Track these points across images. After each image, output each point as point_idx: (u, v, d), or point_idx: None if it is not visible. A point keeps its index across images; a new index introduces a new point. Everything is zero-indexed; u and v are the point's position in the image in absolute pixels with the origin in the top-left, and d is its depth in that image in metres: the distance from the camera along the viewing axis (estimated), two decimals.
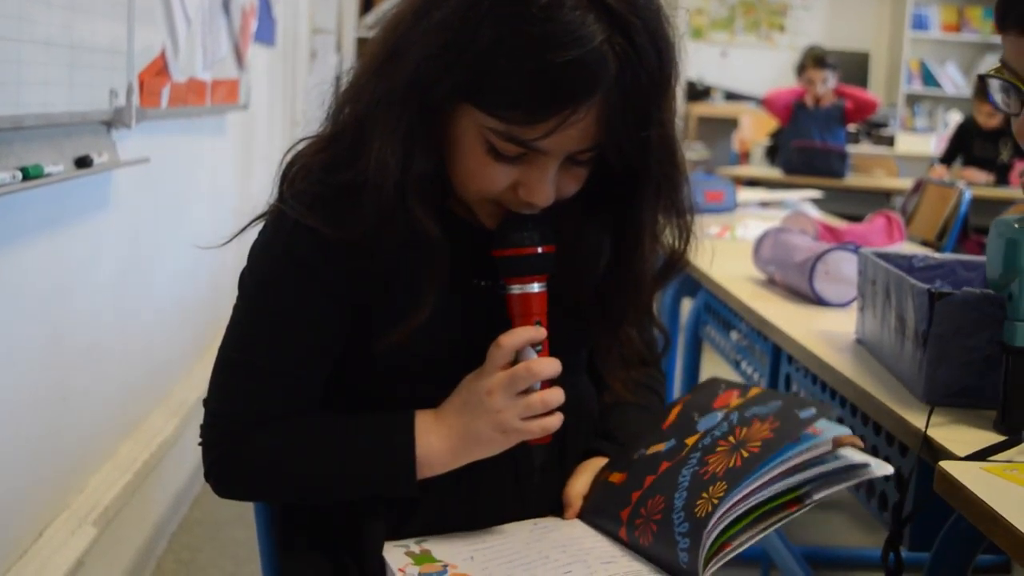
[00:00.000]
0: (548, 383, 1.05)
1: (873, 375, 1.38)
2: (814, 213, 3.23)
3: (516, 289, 1.06)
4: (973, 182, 5.22)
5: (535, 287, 1.06)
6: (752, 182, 5.11)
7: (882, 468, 0.99)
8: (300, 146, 1.11)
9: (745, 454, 0.98)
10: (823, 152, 5.52)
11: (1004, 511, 0.89)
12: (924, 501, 1.15)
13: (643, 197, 1.07)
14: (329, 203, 1.03)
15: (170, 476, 2.65)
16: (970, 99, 6.65)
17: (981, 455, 1.05)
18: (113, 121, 1.99)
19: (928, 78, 8.13)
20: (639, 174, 1.04)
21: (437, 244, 1.02)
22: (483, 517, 1.09)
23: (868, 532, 2.90)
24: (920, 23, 8.05)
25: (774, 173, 5.65)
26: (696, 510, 0.96)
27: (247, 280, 1.08)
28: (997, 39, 1.15)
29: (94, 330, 2.13)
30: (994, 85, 1.13)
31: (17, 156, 1.58)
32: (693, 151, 7.25)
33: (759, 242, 2.13)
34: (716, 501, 0.95)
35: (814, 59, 5.67)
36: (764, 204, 3.58)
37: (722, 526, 0.94)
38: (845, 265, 1.83)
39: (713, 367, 2.67)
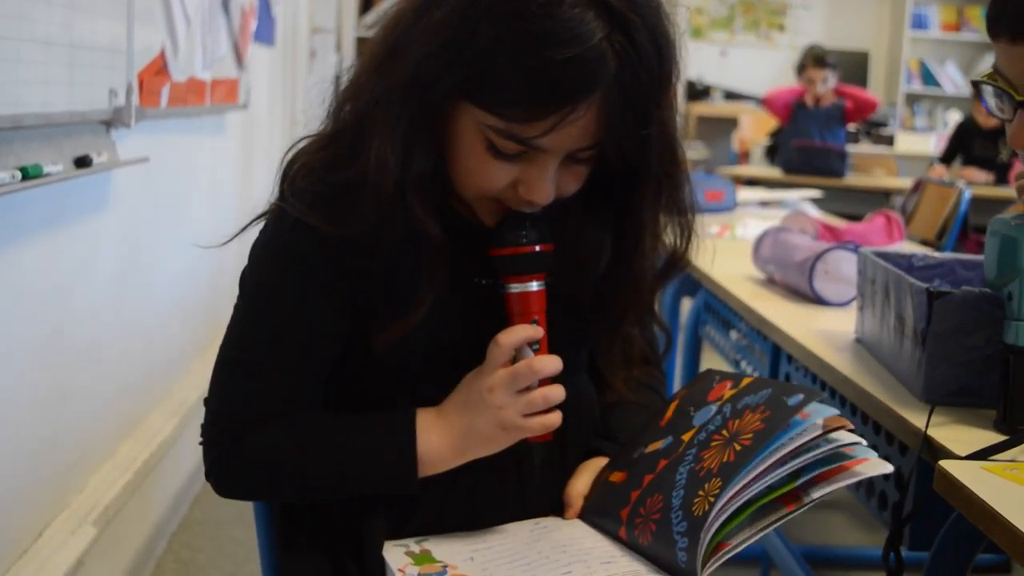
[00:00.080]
0: (549, 381, 1.05)
1: (872, 374, 1.38)
2: (814, 212, 3.24)
3: (515, 288, 1.06)
4: (973, 181, 5.23)
5: (533, 286, 1.06)
6: (752, 181, 5.11)
7: (881, 467, 0.99)
8: (301, 144, 1.11)
9: (738, 447, 0.98)
10: (823, 151, 5.52)
11: (1004, 510, 0.89)
12: (924, 500, 1.15)
13: (644, 195, 1.07)
14: (329, 201, 1.03)
15: (170, 476, 2.65)
16: (970, 99, 6.66)
17: (981, 455, 1.05)
18: (113, 121, 1.99)
19: (928, 78, 8.13)
20: (640, 172, 1.04)
21: (437, 242, 1.02)
22: (484, 516, 1.09)
23: (868, 532, 2.90)
24: (920, 22, 8.05)
25: (774, 172, 5.65)
26: (693, 508, 0.96)
27: (248, 279, 1.08)
28: None
29: (94, 330, 2.12)
30: (987, 91, 1.13)
31: (16, 156, 1.58)
32: (693, 151, 7.24)
33: (759, 241, 2.13)
34: (712, 499, 0.95)
35: (814, 58, 5.67)
36: (764, 203, 3.58)
37: (719, 522, 0.94)
38: (845, 264, 1.83)
39: (713, 366, 2.66)
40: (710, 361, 2.70)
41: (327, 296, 1.05)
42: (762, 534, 0.96)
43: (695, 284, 2.44)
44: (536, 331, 1.05)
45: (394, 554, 1.04)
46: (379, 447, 1.05)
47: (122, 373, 2.33)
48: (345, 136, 1.05)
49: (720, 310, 2.26)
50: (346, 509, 1.10)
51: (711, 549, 0.94)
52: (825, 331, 1.64)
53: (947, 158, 5.92)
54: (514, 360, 1.04)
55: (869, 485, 1.32)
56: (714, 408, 1.08)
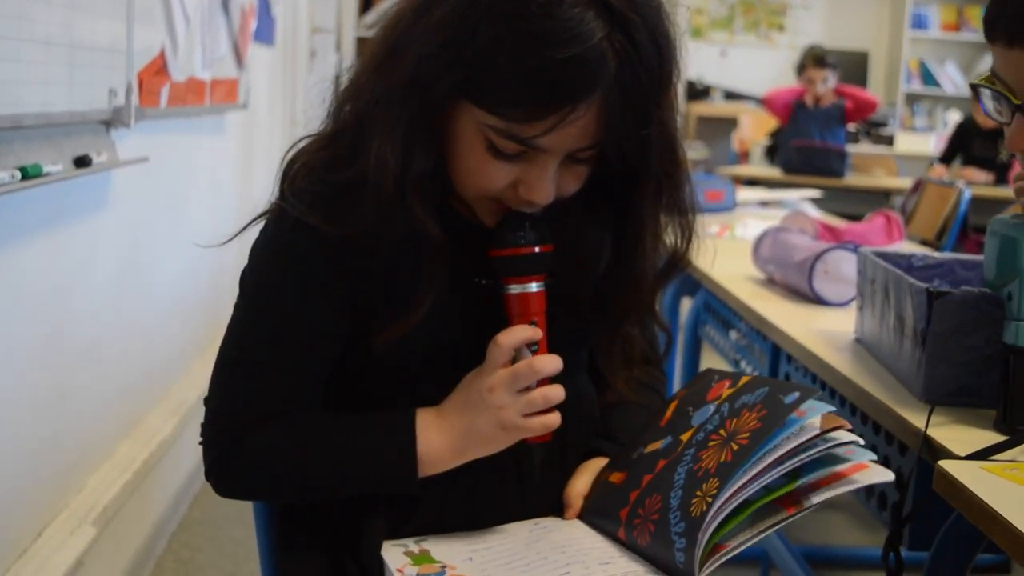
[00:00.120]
0: (549, 381, 1.05)
1: (872, 374, 1.38)
2: (813, 212, 3.24)
3: (514, 289, 1.06)
4: (972, 181, 5.23)
5: (533, 287, 1.06)
6: (751, 181, 5.11)
7: (882, 475, 0.99)
8: (301, 144, 1.11)
9: (735, 447, 0.98)
10: (823, 151, 5.53)
11: (1004, 510, 0.89)
12: (924, 500, 1.15)
13: (644, 195, 1.07)
14: (330, 201, 1.03)
15: (169, 476, 2.65)
16: (969, 99, 6.65)
17: (981, 455, 1.05)
18: (112, 120, 1.99)
19: (927, 77, 8.13)
20: (640, 172, 1.04)
21: (437, 242, 1.02)
22: (483, 517, 1.09)
23: (867, 531, 2.90)
24: (919, 22, 8.05)
25: (774, 172, 5.65)
26: (691, 509, 0.96)
27: (248, 279, 1.08)
28: None
29: (93, 329, 2.12)
30: (985, 94, 1.14)
31: (16, 155, 1.58)
32: (693, 150, 7.24)
33: (758, 241, 2.13)
34: (710, 499, 0.94)
35: (814, 58, 5.67)
36: (764, 203, 3.58)
37: (717, 522, 0.94)
38: (844, 264, 1.83)
39: (712, 366, 2.66)
40: (710, 361, 2.70)
41: (327, 296, 1.05)
42: (761, 537, 0.96)
43: (695, 284, 2.44)
44: (535, 332, 1.05)
45: (393, 554, 1.04)
46: (379, 447, 1.05)
47: (122, 373, 2.33)
48: (345, 136, 1.05)
49: (720, 310, 2.26)
50: (346, 509, 1.10)
51: (709, 550, 0.94)
52: (825, 331, 1.64)
53: (947, 158, 5.92)
54: (513, 361, 1.04)
55: (869, 485, 1.31)
56: (712, 407, 1.08)
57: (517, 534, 1.07)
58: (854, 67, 7.86)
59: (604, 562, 1.00)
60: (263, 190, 1.10)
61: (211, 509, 2.81)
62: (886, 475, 0.99)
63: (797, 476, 0.97)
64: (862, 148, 6.97)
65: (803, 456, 0.96)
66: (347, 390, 1.11)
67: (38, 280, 1.84)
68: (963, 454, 1.05)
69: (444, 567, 1.01)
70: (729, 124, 7.33)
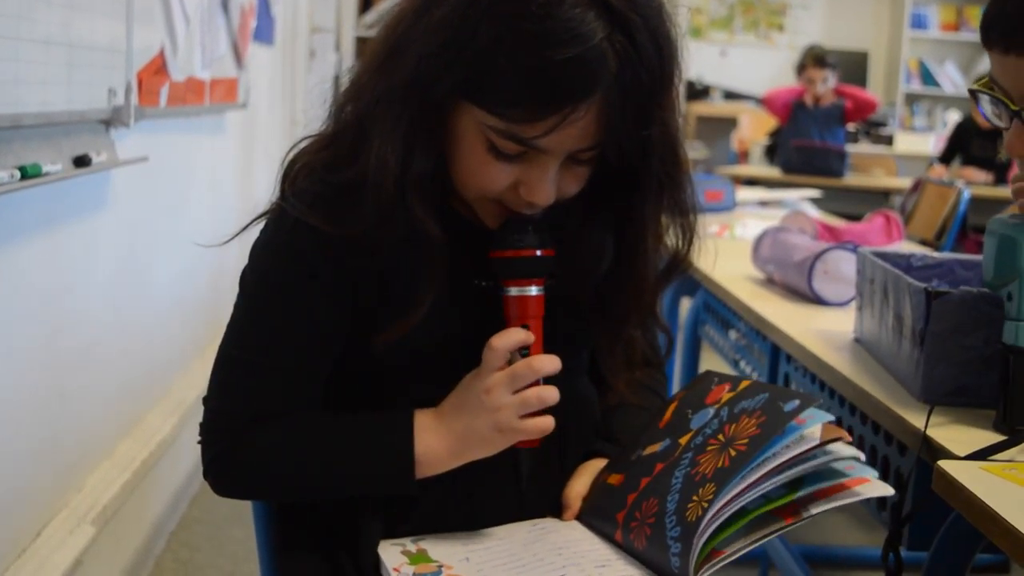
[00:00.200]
0: (549, 383, 1.04)
1: (871, 374, 1.38)
2: (813, 212, 3.24)
3: (513, 291, 1.06)
4: (972, 181, 5.23)
5: (532, 290, 1.06)
6: (751, 181, 5.11)
7: (881, 489, 0.99)
8: (302, 145, 1.11)
9: (733, 453, 0.98)
10: (822, 151, 5.53)
11: (1003, 511, 0.89)
12: (923, 500, 1.15)
13: (645, 196, 1.07)
14: (330, 201, 1.03)
15: (168, 475, 2.65)
16: (969, 98, 6.64)
17: (981, 455, 1.05)
18: (112, 120, 1.99)
19: (927, 77, 8.13)
20: (641, 173, 1.04)
21: (437, 243, 1.02)
22: (481, 517, 1.09)
23: (867, 531, 2.90)
24: (919, 22, 8.05)
25: (773, 172, 5.65)
26: (687, 514, 0.96)
27: (248, 278, 1.08)
28: None
29: (92, 329, 2.12)
30: (984, 99, 1.13)
31: (15, 155, 1.58)
32: (692, 150, 7.24)
33: (758, 241, 2.13)
34: (706, 504, 0.94)
35: (814, 58, 5.67)
36: (763, 203, 3.58)
37: (713, 527, 0.94)
38: (844, 264, 1.83)
39: (712, 366, 2.66)
40: (709, 361, 2.70)
41: (327, 296, 1.05)
42: (758, 544, 0.96)
43: (694, 284, 2.44)
44: (528, 336, 1.04)
45: (390, 553, 1.04)
46: (376, 448, 1.05)
47: (121, 372, 2.33)
48: (346, 136, 1.05)
49: (719, 310, 2.26)
50: (344, 509, 1.10)
51: (705, 555, 0.94)
52: (824, 331, 1.64)
53: (946, 158, 5.92)
54: (510, 363, 1.04)
55: None
56: (711, 411, 1.08)
57: (515, 535, 1.07)
58: (854, 67, 7.86)
59: (600, 565, 1.00)
60: (263, 190, 1.10)
61: (210, 509, 2.81)
62: (886, 489, 0.99)
63: (797, 487, 0.97)
64: (861, 148, 6.97)
65: (802, 467, 0.96)
66: (346, 390, 1.11)
67: (37, 280, 1.84)
68: (962, 454, 1.05)
69: (441, 567, 1.01)
70: (729, 124, 7.33)
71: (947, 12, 8.09)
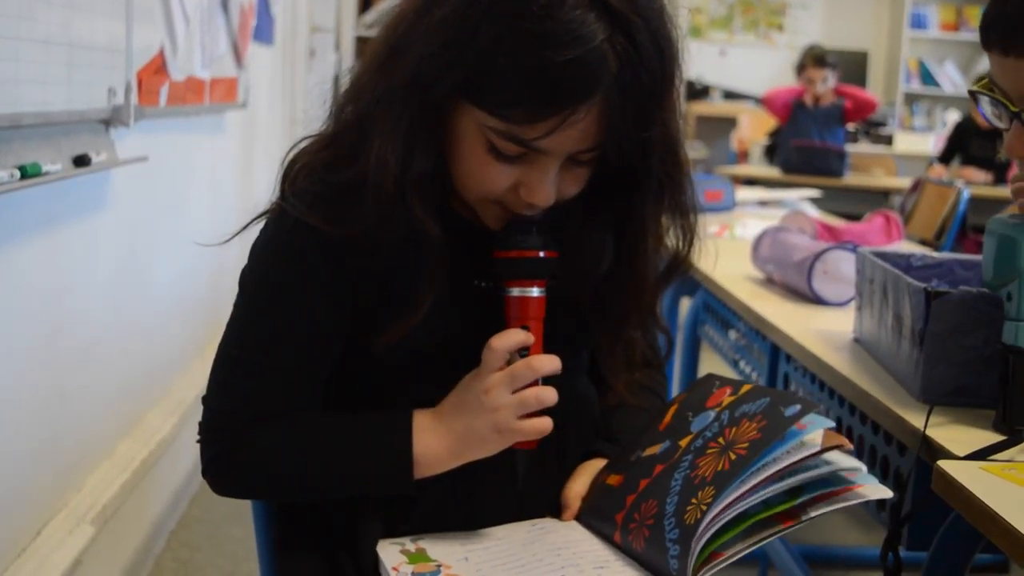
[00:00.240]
0: (549, 383, 1.05)
1: (871, 374, 1.38)
2: (813, 212, 3.24)
3: (515, 292, 1.06)
4: (972, 181, 5.23)
5: (534, 291, 1.06)
6: (751, 181, 5.11)
7: (881, 492, 0.99)
8: (302, 144, 1.11)
9: (733, 456, 0.98)
10: (822, 151, 5.53)
11: (1002, 511, 0.89)
12: (922, 500, 1.15)
13: (645, 198, 1.07)
14: (330, 201, 1.03)
15: (168, 475, 2.65)
16: (968, 98, 6.63)
17: (980, 455, 1.05)
18: (111, 120, 1.99)
19: (927, 77, 8.13)
20: (641, 174, 1.04)
21: (437, 243, 1.02)
22: (481, 517, 1.09)
23: (866, 531, 2.90)
24: (919, 22, 8.05)
25: (773, 172, 5.66)
26: (686, 516, 0.96)
27: (247, 278, 1.08)
28: None
29: (92, 329, 2.12)
30: (984, 100, 1.13)
31: (15, 154, 1.58)
32: (692, 150, 7.24)
33: (758, 241, 2.13)
34: (705, 507, 0.94)
35: (814, 58, 5.67)
36: (763, 203, 3.58)
37: (712, 531, 0.94)
38: (843, 264, 1.83)
39: (711, 366, 2.66)
40: (709, 361, 2.70)
41: (327, 296, 1.05)
42: (757, 546, 0.96)
43: (694, 284, 2.44)
44: (527, 337, 1.04)
45: (389, 552, 1.04)
46: (375, 448, 1.05)
47: (121, 372, 2.33)
48: (346, 136, 1.05)
49: (719, 310, 2.26)
50: (343, 508, 1.10)
51: (704, 558, 0.94)
52: (824, 331, 1.64)
53: (945, 158, 5.92)
54: (509, 364, 1.04)
55: None
56: (712, 414, 1.08)
57: (514, 535, 1.07)
58: (853, 67, 7.86)
59: (599, 566, 1.00)
60: (263, 189, 1.10)
61: (210, 508, 2.81)
62: (884, 492, 0.99)
63: (797, 494, 0.97)
64: (861, 148, 6.97)
65: (803, 476, 0.96)
66: (346, 390, 1.11)
67: (37, 279, 1.84)
68: (962, 454, 1.05)
69: (440, 566, 1.01)
70: (728, 124, 7.33)
71: (947, 12, 8.09)
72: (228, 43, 2.99)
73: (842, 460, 0.98)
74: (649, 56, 0.95)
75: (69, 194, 1.95)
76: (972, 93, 1.14)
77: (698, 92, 7.96)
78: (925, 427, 1.13)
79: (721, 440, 1.01)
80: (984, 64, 6.79)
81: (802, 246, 1.94)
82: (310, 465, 1.06)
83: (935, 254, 1.54)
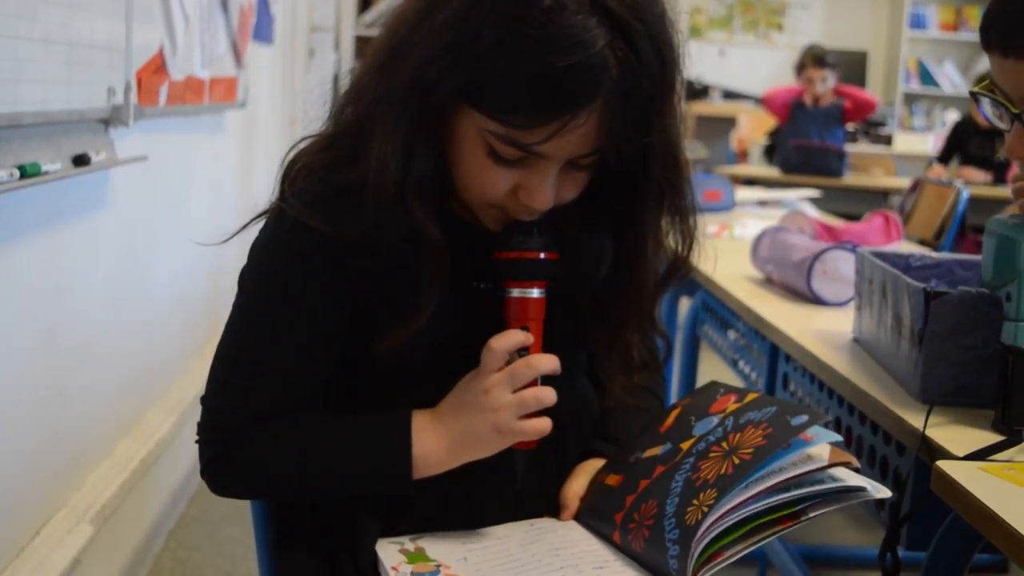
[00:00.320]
0: (548, 383, 1.04)
1: (870, 374, 1.38)
2: (812, 212, 3.24)
3: (515, 293, 1.06)
4: (971, 181, 5.23)
5: (534, 292, 1.06)
6: (750, 181, 5.11)
7: (879, 492, 0.99)
8: (302, 145, 1.11)
9: (737, 461, 0.97)
10: (821, 151, 5.53)
11: (1001, 511, 0.89)
12: (922, 500, 1.15)
13: (645, 202, 1.07)
14: (330, 202, 1.03)
15: (167, 474, 2.65)
16: (968, 98, 6.63)
17: (980, 455, 1.05)
18: (111, 119, 1.99)
19: (926, 77, 8.13)
20: (641, 179, 1.04)
21: (437, 245, 1.02)
22: (480, 517, 1.09)
23: (866, 531, 2.90)
24: (918, 22, 8.05)
25: (772, 172, 5.66)
26: (686, 517, 0.96)
27: (247, 278, 1.08)
28: None
29: (92, 328, 2.12)
30: (985, 101, 1.14)
31: (15, 154, 1.58)
32: (691, 150, 7.24)
33: (757, 241, 2.13)
34: (706, 509, 0.94)
35: (814, 58, 5.67)
36: (762, 203, 3.58)
37: (713, 534, 0.94)
38: (843, 264, 1.83)
39: (711, 366, 2.67)
40: (708, 361, 2.71)
41: (326, 296, 1.05)
42: (757, 546, 0.96)
43: (693, 284, 2.44)
44: (527, 337, 1.04)
45: (388, 552, 1.04)
46: (374, 449, 1.05)
47: (120, 372, 2.33)
48: (346, 137, 1.05)
49: (718, 310, 2.26)
50: (342, 507, 1.10)
51: (704, 559, 0.94)
52: (823, 331, 1.64)
53: (944, 157, 5.92)
54: (508, 364, 1.04)
55: None
56: (716, 419, 1.07)
57: (513, 535, 1.07)
58: (853, 67, 7.86)
59: (598, 566, 1.00)
60: (262, 189, 1.10)
61: (209, 508, 2.81)
62: (884, 492, 0.99)
63: (799, 500, 0.97)
64: (861, 148, 6.97)
65: (808, 489, 0.96)
66: (345, 390, 1.11)
67: (37, 279, 1.84)
68: (961, 454, 1.05)
69: (439, 566, 1.01)
70: (728, 123, 7.33)
71: (946, 12, 8.09)
72: (227, 43, 2.99)
73: (849, 478, 0.98)
74: (650, 61, 0.95)
75: (68, 194, 1.95)
76: (973, 94, 1.14)
77: (697, 92, 7.96)
78: (924, 427, 1.13)
79: (725, 445, 1.01)
80: (983, 64, 6.79)
81: (801, 246, 1.94)
82: (309, 465, 1.06)
83: (934, 254, 1.54)
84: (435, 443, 1.04)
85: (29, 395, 1.82)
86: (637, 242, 1.10)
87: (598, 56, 0.92)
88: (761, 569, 2.47)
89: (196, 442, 1.09)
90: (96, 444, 2.20)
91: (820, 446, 0.98)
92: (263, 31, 3.84)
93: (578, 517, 1.11)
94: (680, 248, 1.13)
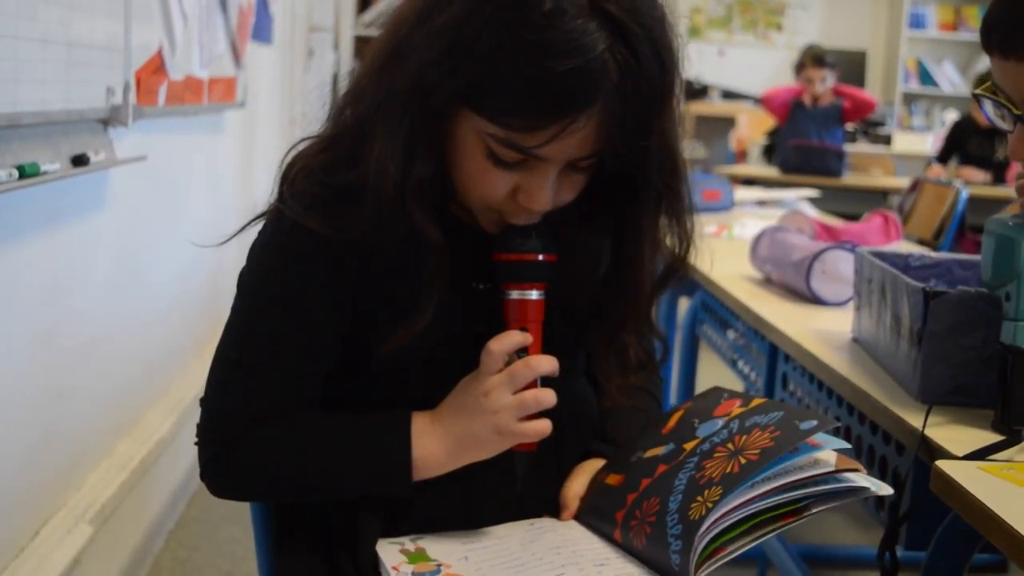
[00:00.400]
0: (547, 384, 1.05)
1: (869, 374, 1.38)
2: (811, 212, 3.24)
3: (514, 295, 1.06)
4: (970, 181, 5.23)
5: (533, 294, 1.06)
6: (749, 181, 5.11)
7: (882, 489, 0.99)
8: (301, 146, 1.10)
9: (743, 460, 0.98)
10: (820, 151, 5.53)
11: (1001, 511, 0.89)
12: (921, 500, 1.15)
13: (643, 204, 1.07)
14: (328, 204, 1.03)
15: (167, 474, 2.64)
16: (967, 98, 6.65)
17: (979, 455, 1.05)
18: (110, 119, 1.99)
19: (925, 77, 8.13)
20: (639, 182, 1.04)
21: (437, 246, 1.02)
22: (480, 517, 1.09)
23: (865, 531, 2.90)
24: (917, 22, 8.05)
25: (771, 172, 5.66)
26: (690, 513, 0.96)
27: (246, 279, 1.08)
28: None
29: (91, 328, 2.12)
30: (987, 103, 1.14)
31: (14, 154, 1.58)
32: (690, 150, 7.24)
33: (756, 241, 2.13)
34: (711, 505, 0.94)
35: (813, 58, 5.67)
36: (761, 203, 3.58)
37: (717, 530, 0.94)
38: (842, 264, 1.83)
39: (710, 366, 2.67)
40: (707, 361, 2.70)
41: (326, 297, 1.05)
42: (759, 541, 0.96)
43: (692, 284, 2.44)
44: (525, 338, 1.04)
45: (389, 552, 1.04)
46: (374, 450, 1.05)
47: (119, 372, 2.33)
48: (345, 139, 1.05)
49: (717, 310, 2.26)
50: (342, 508, 1.10)
51: (706, 555, 0.94)
52: (822, 331, 1.64)
53: (943, 157, 5.92)
54: (507, 365, 1.04)
55: None
56: (720, 422, 1.08)
57: (513, 534, 1.07)
58: (852, 67, 7.87)
59: (599, 563, 1.00)
60: (262, 189, 1.10)
61: (208, 508, 2.81)
62: (885, 489, 0.99)
63: (802, 497, 0.97)
64: (860, 148, 6.97)
65: (814, 488, 0.96)
66: (345, 391, 1.11)
67: (36, 279, 1.84)
68: (960, 454, 1.05)
69: (440, 566, 1.01)
70: (727, 123, 7.33)
71: (945, 12, 8.10)
72: (227, 42, 2.99)
73: (857, 479, 0.98)
74: (649, 65, 0.95)
75: (68, 194, 1.95)
76: (976, 96, 1.14)
77: (697, 92, 7.96)
78: (923, 427, 1.13)
79: (730, 445, 1.01)
80: (982, 64, 6.78)
81: (801, 246, 1.94)
82: (308, 467, 1.06)
83: (933, 254, 1.54)
84: (435, 445, 1.04)
85: (28, 395, 1.82)
86: (635, 244, 1.10)
87: (598, 60, 0.92)
88: (761, 569, 2.47)
89: (195, 443, 1.09)
90: (96, 444, 2.20)
91: (827, 452, 0.98)
92: (262, 31, 3.84)
93: (578, 517, 1.11)
94: (677, 249, 1.13)
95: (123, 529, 2.28)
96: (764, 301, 1.88)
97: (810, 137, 5.56)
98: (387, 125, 0.99)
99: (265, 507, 1.19)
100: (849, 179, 5.72)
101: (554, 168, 1.00)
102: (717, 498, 0.94)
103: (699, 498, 0.96)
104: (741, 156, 6.63)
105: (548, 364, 1.04)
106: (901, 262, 1.49)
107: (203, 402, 1.09)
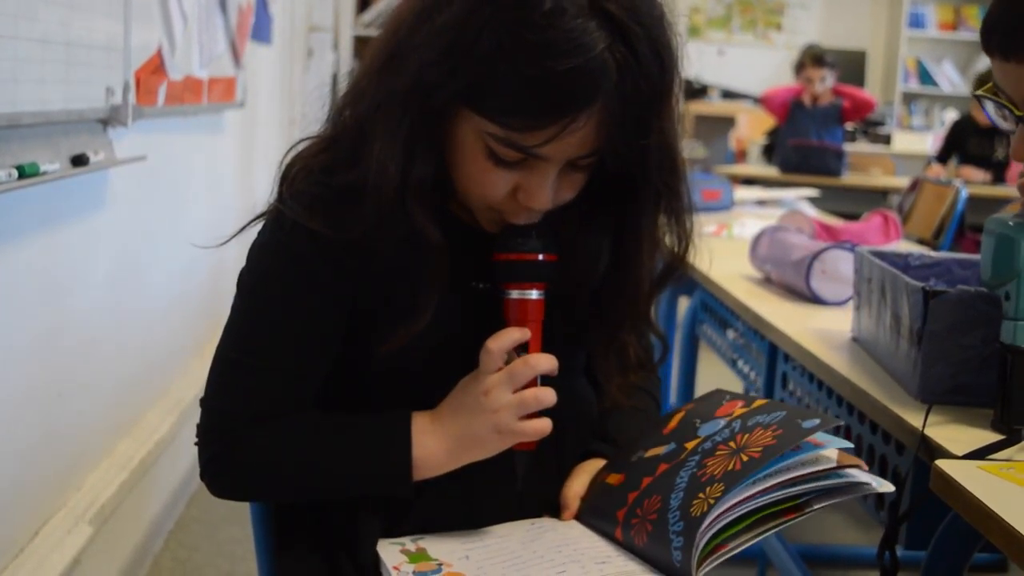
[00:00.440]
0: (547, 383, 1.05)
1: (869, 373, 1.38)
2: (811, 212, 3.24)
3: (514, 295, 1.06)
4: (970, 180, 5.23)
5: (533, 294, 1.06)
6: (749, 180, 5.12)
7: (883, 486, 0.99)
8: (300, 147, 1.10)
9: (745, 458, 0.98)
10: (820, 150, 5.53)
11: (1000, 510, 0.89)
12: (920, 499, 1.15)
13: (642, 204, 1.07)
14: (328, 204, 1.03)
15: (167, 474, 2.64)
16: (967, 97, 6.65)
17: (979, 454, 1.05)
18: (109, 119, 1.99)
19: (925, 77, 8.14)
20: (639, 181, 1.05)
21: (437, 246, 1.02)
22: (480, 517, 1.09)
23: (865, 530, 2.90)
24: (917, 22, 8.06)
25: (771, 171, 5.66)
26: (692, 510, 0.96)
27: (245, 279, 1.08)
28: None
29: (90, 328, 2.12)
30: (989, 104, 1.14)
31: (13, 154, 1.58)
32: (690, 149, 7.24)
33: (756, 241, 2.13)
34: (712, 501, 0.94)
35: (813, 57, 5.67)
36: (761, 202, 3.59)
37: (718, 527, 0.94)
38: (842, 264, 1.83)
39: (709, 366, 2.67)
40: (706, 360, 2.70)
41: (325, 297, 1.05)
42: (760, 538, 0.97)
43: (692, 283, 2.44)
44: (524, 333, 1.04)
45: (389, 551, 1.04)
46: (374, 450, 1.05)
47: (119, 371, 2.33)
48: (345, 140, 1.05)
49: (717, 309, 2.26)
50: (343, 508, 1.10)
51: (708, 551, 0.94)
52: (822, 330, 1.64)
53: (943, 157, 5.93)
54: (507, 364, 1.04)
55: None
56: (723, 422, 1.08)
57: (514, 533, 1.07)
58: (851, 66, 7.87)
59: (600, 561, 1.00)
60: (261, 189, 1.10)
61: (208, 508, 2.81)
62: (887, 486, 0.99)
63: (803, 492, 0.97)
64: (859, 147, 6.97)
65: (816, 484, 0.96)
66: (345, 391, 1.11)
67: (35, 279, 1.84)
68: (960, 453, 1.05)
69: (440, 565, 1.01)
70: (727, 123, 7.33)
71: (945, 11, 8.10)
72: (226, 42, 2.99)
73: (858, 475, 0.98)
74: (648, 64, 0.95)
75: (67, 194, 1.95)
76: (977, 97, 1.14)
77: (696, 92, 7.95)
78: (923, 426, 1.13)
79: (732, 444, 1.02)
80: (982, 63, 6.78)
81: (800, 245, 1.94)
82: (308, 467, 1.06)
83: (933, 253, 1.54)
84: (435, 445, 1.04)
85: (28, 395, 1.82)
86: (634, 243, 1.10)
87: (598, 59, 0.92)
88: (761, 568, 2.48)
89: (195, 444, 1.09)
90: (95, 444, 2.20)
91: (829, 450, 0.98)
92: (262, 31, 3.84)
93: (579, 516, 1.11)
94: (677, 249, 1.13)
95: (123, 529, 2.28)
96: (764, 301, 1.88)
97: (810, 137, 5.56)
98: (387, 125, 0.99)
99: (265, 507, 1.19)
100: (849, 179, 5.72)
101: (554, 167, 1.00)
102: (719, 495, 0.94)
103: (701, 495, 0.96)
104: (741, 156, 6.63)
105: (547, 362, 1.04)
106: (901, 261, 1.49)
107: (203, 402, 1.09)
